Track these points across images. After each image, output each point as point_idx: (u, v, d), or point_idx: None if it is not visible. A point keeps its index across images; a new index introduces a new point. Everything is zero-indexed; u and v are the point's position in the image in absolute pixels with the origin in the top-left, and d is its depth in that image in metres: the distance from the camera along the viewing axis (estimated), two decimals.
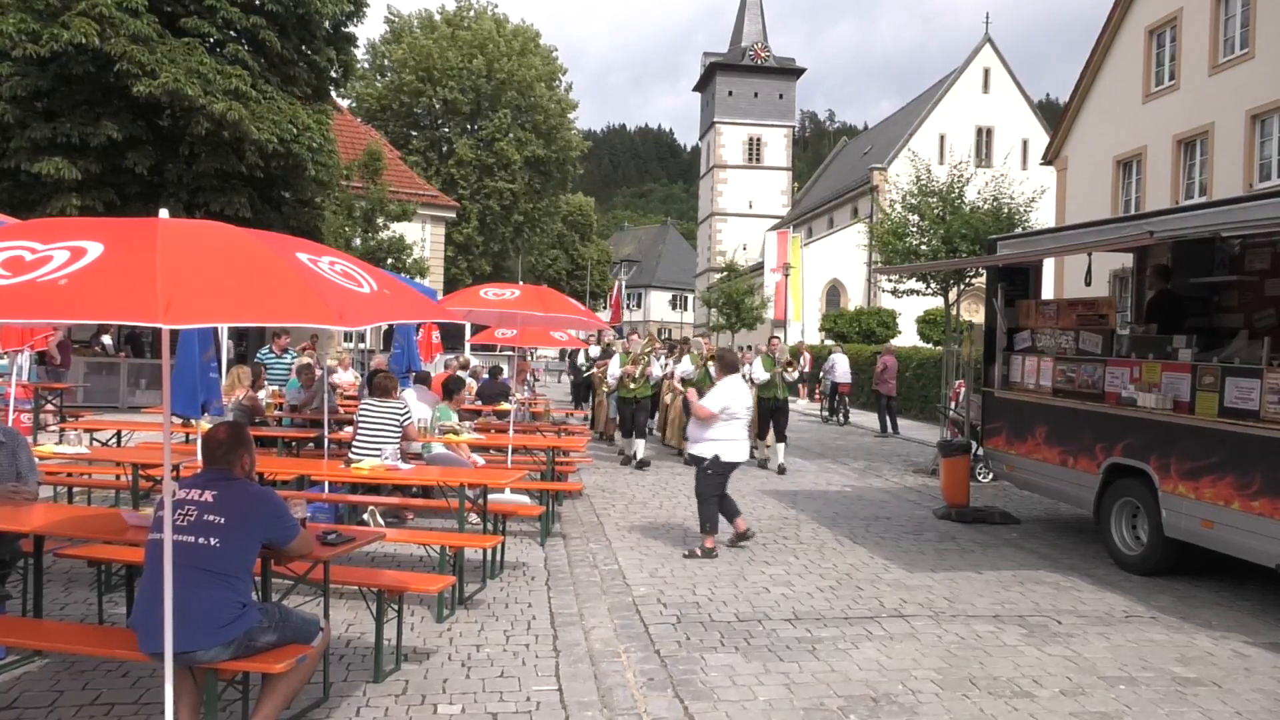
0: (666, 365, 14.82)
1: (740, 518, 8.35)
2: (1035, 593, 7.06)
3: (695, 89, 77.37)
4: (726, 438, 7.85)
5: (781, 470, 12.95)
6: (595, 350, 18.42)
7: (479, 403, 13.32)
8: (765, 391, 13.05)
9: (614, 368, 13.73)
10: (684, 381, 13.30)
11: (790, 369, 13.20)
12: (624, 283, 35.69)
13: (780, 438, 13.17)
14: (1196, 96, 21.57)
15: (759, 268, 47.10)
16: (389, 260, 24.67)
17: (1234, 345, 7.32)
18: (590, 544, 8.26)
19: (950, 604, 6.70)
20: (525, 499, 8.85)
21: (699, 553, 7.79)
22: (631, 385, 13.27)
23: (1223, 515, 6.73)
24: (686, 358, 13.85)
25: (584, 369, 18.90)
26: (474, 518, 7.52)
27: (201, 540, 3.65)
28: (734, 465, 8.03)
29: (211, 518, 3.69)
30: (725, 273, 52.78)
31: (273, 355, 13.21)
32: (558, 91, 47.86)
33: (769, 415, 13.24)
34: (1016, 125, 46.93)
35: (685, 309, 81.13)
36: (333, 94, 22.15)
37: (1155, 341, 7.94)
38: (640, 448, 13.31)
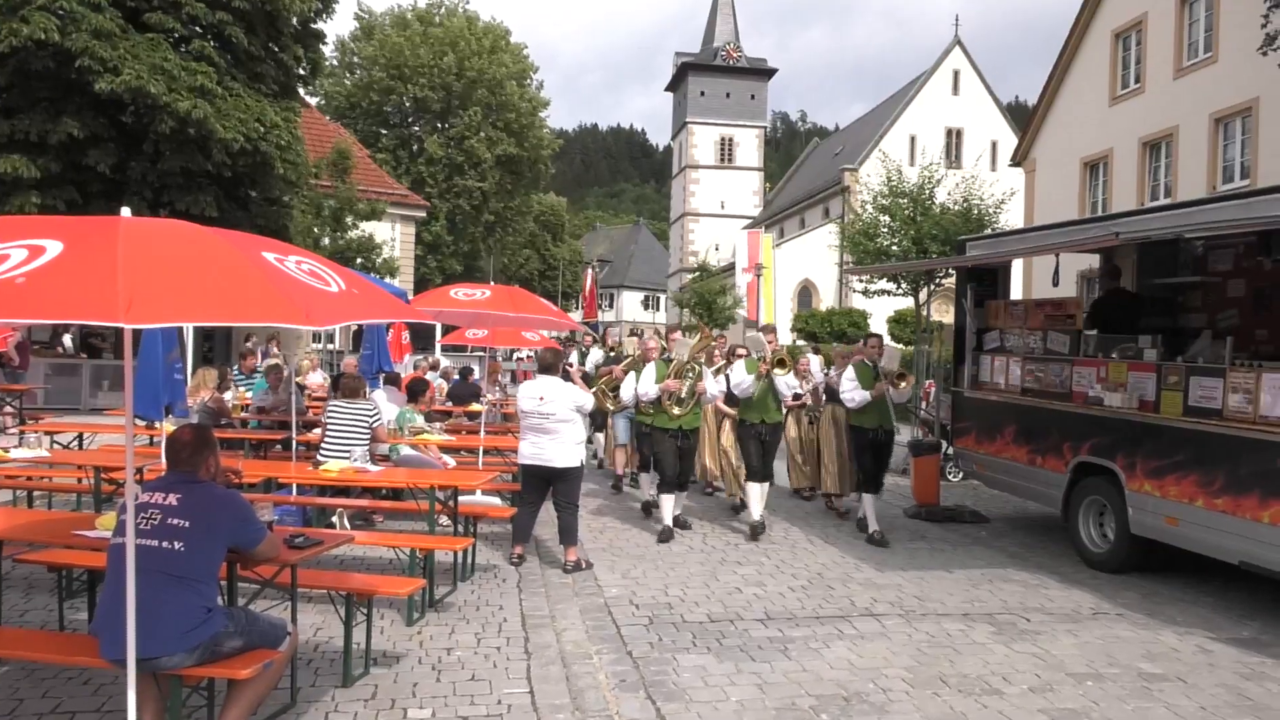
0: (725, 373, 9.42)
1: (521, 545, 7.58)
2: (1004, 591, 7.14)
3: (667, 89, 77.48)
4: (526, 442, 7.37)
5: (756, 531, 8.70)
6: (598, 355, 13.57)
7: (450, 404, 13.26)
8: (753, 411, 8.78)
9: (640, 384, 8.59)
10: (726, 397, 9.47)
11: (783, 370, 8.72)
12: (596, 271, 34.70)
13: (764, 475, 8.86)
14: (1161, 99, 21.97)
15: (731, 268, 47.29)
16: (358, 260, 24.48)
17: (1198, 345, 7.43)
18: (562, 545, 8.22)
19: (920, 603, 6.76)
20: (496, 501, 8.81)
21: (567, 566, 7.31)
22: (676, 410, 8.45)
23: (1187, 513, 6.84)
24: (740, 364, 8.93)
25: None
26: (444, 520, 7.48)
27: (165, 544, 3.61)
28: (530, 469, 7.41)
29: (176, 521, 3.65)
30: (698, 273, 53.01)
31: (241, 376, 12.86)
32: (529, 90, 47.72)
33: (756, 443, 8.81)
34: (986, 127, 47.47)
35: (658, 309, 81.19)
36: (301, 91, 21.91)
37: (1122, 341, 8.05)
38: (670, 507, 8.79)
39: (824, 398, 10.36)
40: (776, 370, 8.62)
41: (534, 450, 7.37)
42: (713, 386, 8.80)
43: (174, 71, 16.30)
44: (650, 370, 8.59)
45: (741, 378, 8.74)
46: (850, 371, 8.97)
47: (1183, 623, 6.41)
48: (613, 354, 12.61)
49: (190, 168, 17.35)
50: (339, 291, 3.48)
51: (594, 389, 10.19)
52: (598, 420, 12.60)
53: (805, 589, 7.06)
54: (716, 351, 10.17)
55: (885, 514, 9.51)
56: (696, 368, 8.64)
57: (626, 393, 8.98)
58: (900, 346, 8.92)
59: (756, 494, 8.84)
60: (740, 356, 9.27)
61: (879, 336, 9.50)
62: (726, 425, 10.23)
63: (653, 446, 8.82)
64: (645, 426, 8.92)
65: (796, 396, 9.88)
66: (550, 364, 7.56)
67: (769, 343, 9.03)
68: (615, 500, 10.67)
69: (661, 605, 6.53)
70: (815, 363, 11.05)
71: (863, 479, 9.03)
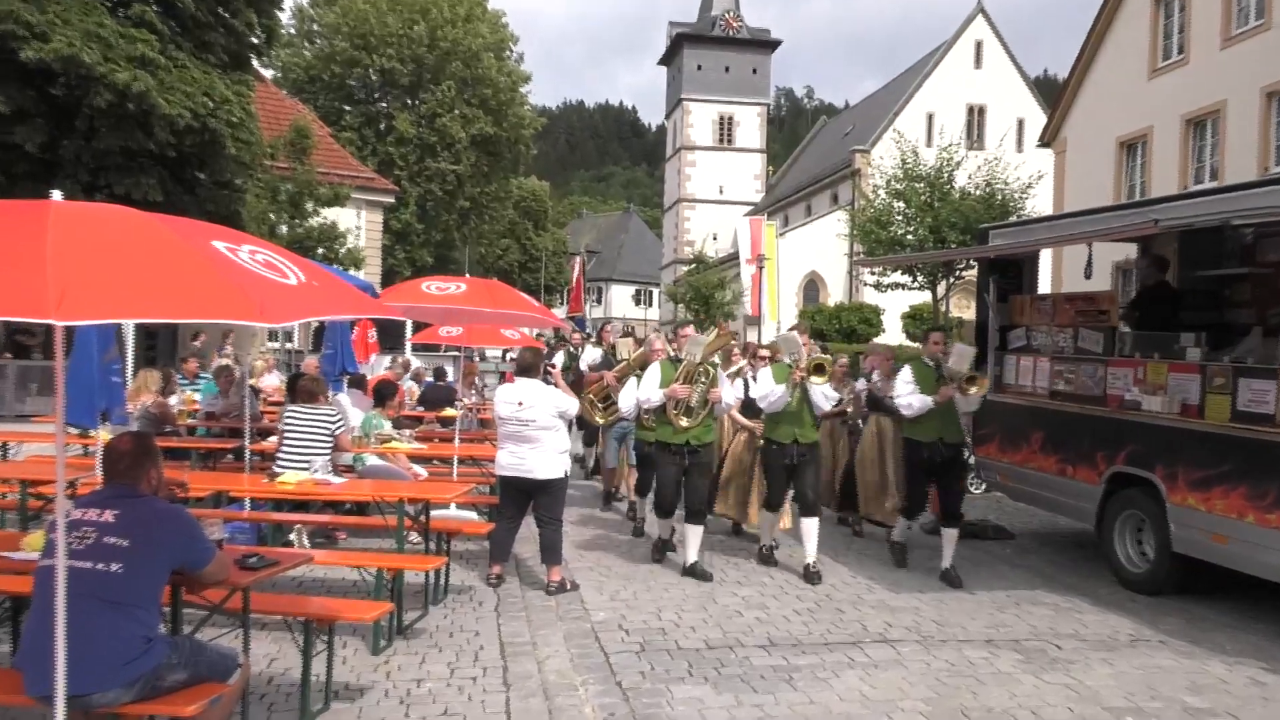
0: (744, 377, 9.11)
1: (499, 564, 7.59)
2: (1032, 615, 7.14)
3: (660, 63, 77.51)
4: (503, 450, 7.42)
5: (812, 576, 7.84)
6: (594, 355, 12.75)
7: (421, 409, 13.22)
8: (782, 428, 7.99)
9: (641, 389, 8.01)
10: (745, 408, 8.87)
11: (822, 377, 7.72)
12: (585, 260, 33.66)
13: (809, 509, 7.98)
14: (1207, 72, 21.97)
15: (730, 258, 47.40)
16: (319, 250, 24.41)
17: (1247, 343, 7.45)
18: (545, 564, 8.20)
19: (940, 628, 6.75)
20: (472, 515, 8.78)
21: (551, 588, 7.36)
22: (684, 422, 7.82)
23: (1236, 529, 6.84)
24: (766, 370, 8.18)
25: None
26: (415, 537, 7.44)
27: (101, 566, 3.57)
28: (509, 481, 7.46)
29: (113, 540, 3.61)
30: (694, 264, 53.15)
31: (185, 381, 12.78)
32: (508, 63, 47.67)
33: (783, 470, 8.05)
34: (1011, 104, 47.68)
35: (650, 304, 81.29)
36: (254, 63, 21.84)
37: (1161, 340, 8.07)
38: (697, 542, 7.97)
39: (865, 406, 9.77)
40: (814, 378, 7.66)
41: (513, 460, 7.34)
42: (729, 393, 8.10)
43: (110, 39, 16.20)
44: (654, 372, 7.96)
45: (769, 387, 7.85)
46: (907, 372, 8.21)
47: (1232, 651, 6.41)
48: (610, 354, 11.70)
49: (130, 147, 17.25)
50: (298, 284, 3.46)
51: (582, 398, 9.71)
52: (589, 434, 12.22)
53: (812, 612, 7.04)
54: (735, 351, 9.81)
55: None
56: (710, 370, 7.89)
57: (626, 402, 8.32)
58: (968, 346, 8.37)
59: (769, 522, 8.44)
60: (764, 359, 8.76)
61: (943, 331, 8.80)
62: (740, 440, 9.23)
63: (654, 465, 8.22)
64: (647, 445, 8.34)
65: (835, 405, 8.71)
66: (530, 365, 7.54)
67: (803, 344, 8.08)
68: (602, 514, 10.64)
69: (654, 630, 6.50)
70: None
71: (908, 503, 8.52)
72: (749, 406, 8.72)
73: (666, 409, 7.83)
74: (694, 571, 7.85)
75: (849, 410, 9.81)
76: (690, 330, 8.54)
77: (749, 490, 9.16)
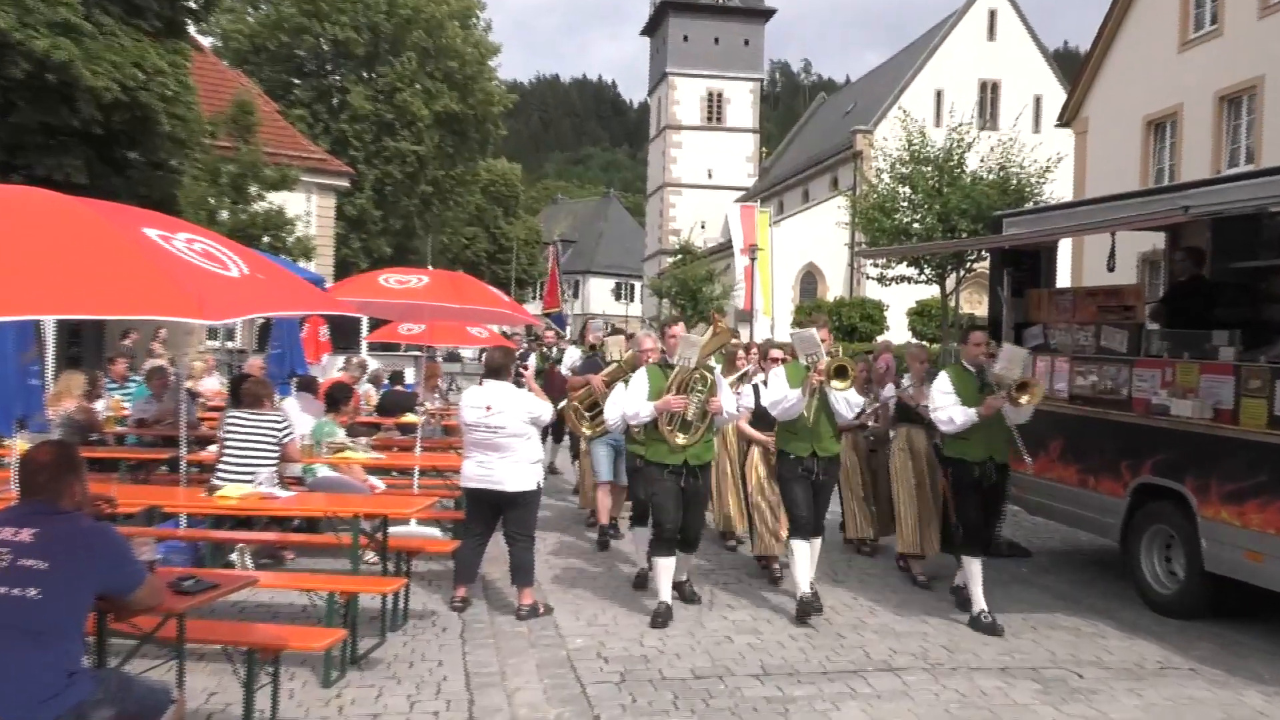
0: (747, 383, 8.76)
1: (464, 585, 7.58)
2: (1051, 640, 7.18)
3: (643, 33, 77.64)
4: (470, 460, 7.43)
5: (806, 609, 7.45)
6: (574, 355, 12.22)
7: (378, 414, 13.18)
8: (799, 440, 7.53)
9: (627, 401, 7.43)
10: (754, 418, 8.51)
11: (843, 382, 7.21)
12: (559, 250, 33.00)
13: (815, 528, 7.65)
14: (1243, 44, 22.14)
15: (720, 249, 47.48)
16: (264, 239, 24.27)
17: None
18: (516, 585, 8.18)
19: (950, 654, 6.77)
20: (435, 532, 8.76)
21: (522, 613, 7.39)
22: (680, 439, 7.24)
23: (1274, 545, 6.89)
24: (780, 372, 7.67)
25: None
26: (371, 556, 7.40)
27: (17, 591, 3.54)
28: (476, 494, 7.46)
29: (30, 563, 3.58)
30: (679, 255, 53.21)
31: (113, 384, 12.67)
32: (475, 33, 47.58)
33: (804, 485, 7.57)
34: (1028, 79, 48.02)
35: (631, 299, 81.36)
36: (192, 30, 21.67)
37: (1192, 338, 8.11)
38: (668, 575, 7.52)
39: (894, 416, 9.28)
40: (835, 382, 7.17)
41: (480, 471, 7.32)
42: (730, 403, 7.57)
43: (28, 1, 16.05)
44: (641, 380, 7.37)
45: (783, 393, 7.36)
46: (944, 380, 7.55)
47: (1271, 680, 6.46)
48: (593, 354, 11.05)
49: (51, 123, 17.08)
50: (240, 277, 3.45)
51: (563, 407, 9.60)
52: (572, 446, 11.66)
53: (810, 637, 7.06)
54: (740, 355, 9.48)
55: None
56: (709, 376, 7.32)
57: (612, 414, 7.72)
58: (1018, 348, 7.82)
59: (804, 556, 7.50)
60: (776, 360, 8.31)
61: (984, 330, 8.03)
62: (755, 455, 8.75)
63: (646, 489, 7.67)
64: (638, 460, 7.76)
65: (859, 414, 8.22)
66: (499, 366, 7.53)
67: (823, 341, 7.47)
68: (580, 532, 10.62)
69: (636, 658, 6.49)
70: None
71: (964, 535, 7.58)
72: (762, 417, 8.21)
73: (659, 424, 7.18)
74: (683, 593, 7.74)
75: (871, 422, 9.43)
76: (680, 329, 7.87)
77: (775, 515, 8.49)
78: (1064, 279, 18.98)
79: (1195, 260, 9.30)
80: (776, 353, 8.64)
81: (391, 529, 7.32)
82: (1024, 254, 10.13)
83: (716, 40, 70.86)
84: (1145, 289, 14.22)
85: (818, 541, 7.71)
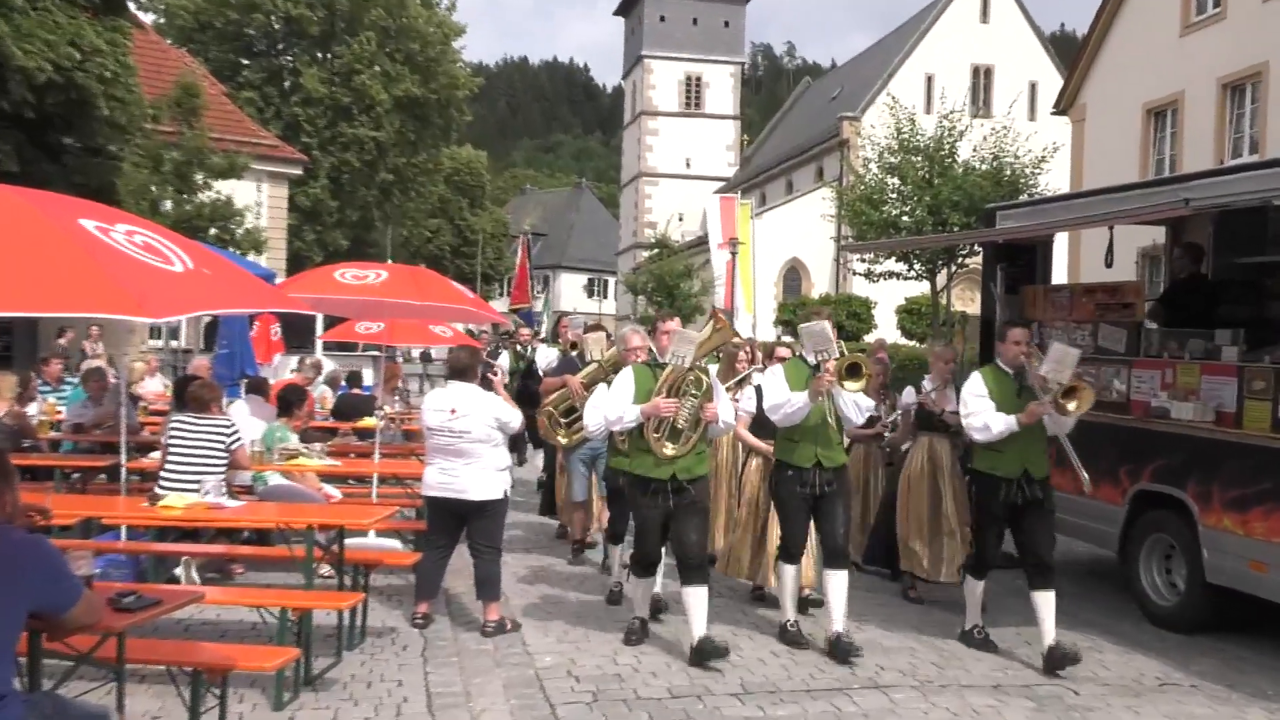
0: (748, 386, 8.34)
1: (426, 601, 7.52)
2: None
3: (617, 13, 77.69)
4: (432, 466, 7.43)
5: (842, 649, 6.92)
6: (549, 354, 12.00)
7: (334, 419, 13.13)
8: (800, 448, 7.07)
9: (609, 405, 6.96)
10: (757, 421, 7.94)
11: (856, 382, 6.73)
12: (529, 240, 32.09)
13: (835, 557, 7.11)
14: (1247, 29, 22.34)
15: (698, 243, 47.59)
16: (211, 230, 24.11)
17: None
18: (481, 600, 8.17)
19: (939, 671, 6.83)
20: (395, 544, 8.75)
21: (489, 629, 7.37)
22: (669, 449, 6.74)
23: (1278, 555, 6.96)
24: (778, 371, 7.24)
25: (508, 386, 11.73)
26: (326, 570, 7.37)
27: None
28: (438, 503, 7.44)
29: None
30: (656, 250, 53.25)
31: (46, 386, 12.55)
32: (438, 12, 47.44)
33: (803, 503, 7.14)
34: (1023, 65, 48.34)
35: (605, 295, 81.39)
36: (131, 6, 21.51)
37: (1193, 338, 8.19)
38: (645, 593, 7.39)
39: (915, 422, 8.70)
40: (847, 383, 6.72)
41: (443, 478, 7.31)
42: (727, 410, 7.12)
43: None
44: (626, 380, 6.92)
45: (783, 395, 6.90)
46: (977, 382, 7.10)
47: (1275, 696, 6.54)
48: (572, 353, 10.48)
49: None
50: (184, 272, 3.44)
51: (538, 413, 9.14)
52: (549, 457, 11.15)
53: (792, 654, 7.08)
54: (740, 355, 8.87)
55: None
56: (704, 379, 6.83)
57: (592, 419, 7.16)
58: (1069, 347, 7.12)
59: (790, 580, 7.23)
60: (782, 359, 7.87)
61: (1024, 328, 7.47)
62: (753, 466, 8.28)
63: (630, 506, 7.31)
64: (621, 475, 7.33)
65: (871, 421, 7.95)
66: (465, 367, 7.52)
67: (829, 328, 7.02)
68: (550, 542, 10.61)
69: (609, 677, 6.50)
70: None
71: (975, 555, 7.42)
72: (765, 424, 7.67)
73: (645, 431, 6.71)
74: (705, 651, 6.71)
75: (887, 432, 9.06)
76: (675, 324, 7.24)
77: (764, 540, 8.07)
78: (1060, 275, 19.10)
79: (1194, 257, 9.40)
80: (785, 351, 8.28)
81: (348, 541, 7.29)
82: (1018, 249, 10.19)
83: (695, 21, 70.98)
84: (1145, 286, 14.36)
85: (843, 575, 7.06)
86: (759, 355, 9.10)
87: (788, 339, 8.42)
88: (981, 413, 6.94)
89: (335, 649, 6.69)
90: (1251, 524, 7.16)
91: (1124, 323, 8.88)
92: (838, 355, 6.78)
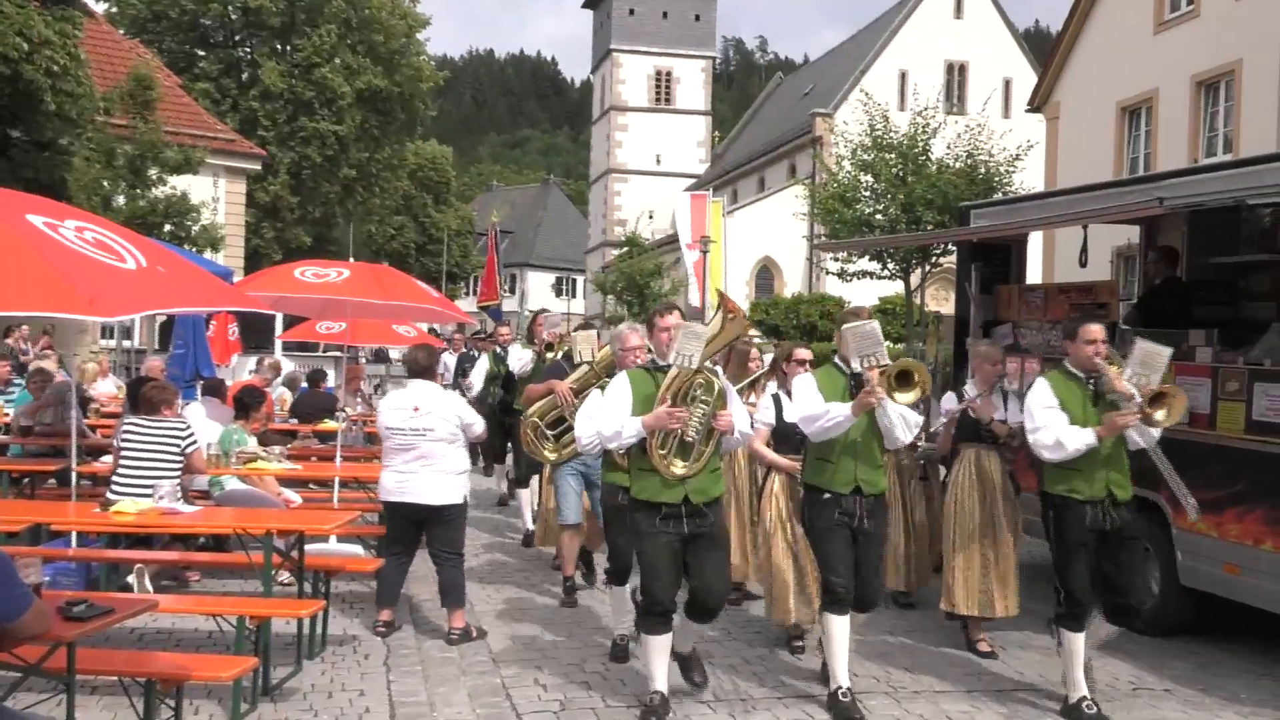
0: (763, 392, 7.69)
1: (389, 608, 7.50)
2: (1019, 660, 7.30)
3: (585, 5, 77.65)
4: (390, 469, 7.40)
5: (845, 712, 6.02)
6: (523, 355, 10.77)
7: (294, 421, 13.05)
8: (837, 471, 6.13)
9: (603, 416, 5.94)
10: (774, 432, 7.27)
11: (907, 391, 5.90)
12: (498, 232, 30.90)
13: (865, 596, 6.26)
14: (1221, 26, 22.61)
15: (669, 241, 47.63)
16: (166, 227, 23.94)
17: (1265, 342, 7.63)
18: (445, 607, 8.15)
19: (912, 677, 6.85)
20: (357, 549, 8.72)
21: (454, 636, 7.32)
22: (679, 468, 5.73)
23: (1251, 558, 7.02)
24: (807, 379, 6.33)
25: (490, 393, 12.00)
26: (285, 576, 7.33)
27: None
28: (396, 508, 7.41)
29: None
30: (625, 248, 53.30)
31: None
32: (401, 3, 47.27)
33: (842, 534, 6.13)
34: (997, 61, 48.77)
35: (573, 294, 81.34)
36: None
37: (1167, 338, 8.27)
38: (663, 652, 6.00)
39: (956, 437, 7.67)
40: (898, 394, 5.90)
41: (399, 482, 7.29)
42: (744, 419, 6.13)
43: None
44: (623, 387, 5.96)
45: (815, 405, 6.03)
46: (1044, 390, 6.27)
47: (1249, 701, 6.60)
48: (551, 356, 9.41)
49: None
50: (137, 269, 3.42)
51: (521, 423, 8.30)
52: (523, 470, 10.50)
53: (764, 660, 7.10)
54: (753, 353, 8.01)
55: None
56: (715, 383, 5.79)
57: (585, 431, 6.25)
58: (1157, 346, 6.31)
59: (843, 635, 6.18)
60: (802, 362, 7.26)
61: (1100, 325, 6.43)
62: (774, 484, 7.37)
63: (633, 538, 6.10)
64: (620, 496, 6.38)
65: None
66: (425, 366, 7.49)
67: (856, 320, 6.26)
68: (516, 544, 10.59)
69: (576, 685, 6.49)
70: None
71: (1066, 601, 6.25)
72: (785, 437, 7.06)
73: (649, 448, 5.70)
74: (685, 665, 6.31)
75: (922, 443, 8.18)
76: (676, 317, 6.10)
77: (789, 569, 7.16)
78: (1034, 275, 19.22)
79: (1170, 261, 9.49)
80: (804, 353, 7.53)
81: (308, 546, 7.24)
82: (993, 248, 10.26)
83: (665, 14, 71.09)
84: (1119, 285, 14.50)
85: (862, 617, 6.37)
86: (764, 359, 8.27)
87: (855, 326, 6.90)
88: (1052, 427, 6.10)
89: (295, 658, 6.65)
90: (1225, 526, 7.23)
91: (1099, 322, 8.93)
92: (887, 361, 5.98)
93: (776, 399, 7.25)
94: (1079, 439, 6.01)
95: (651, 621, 5.84)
